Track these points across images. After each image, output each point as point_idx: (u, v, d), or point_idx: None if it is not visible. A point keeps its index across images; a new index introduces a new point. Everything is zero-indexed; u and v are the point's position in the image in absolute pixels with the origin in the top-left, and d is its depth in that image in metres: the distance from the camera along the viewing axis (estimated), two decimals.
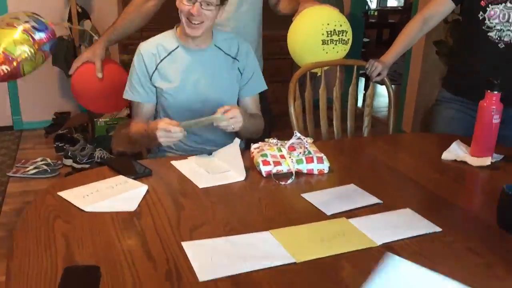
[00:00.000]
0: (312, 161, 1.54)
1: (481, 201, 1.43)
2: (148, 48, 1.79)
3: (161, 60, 1.78)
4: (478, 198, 1.45)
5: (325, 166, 1.55)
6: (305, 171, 1.53)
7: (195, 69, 1.80)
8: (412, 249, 1.13)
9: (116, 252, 1.08)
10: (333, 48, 2.07)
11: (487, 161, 1.64)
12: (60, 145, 3.68)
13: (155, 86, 1.80)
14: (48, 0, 3.91)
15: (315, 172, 1.54)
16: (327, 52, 2.08)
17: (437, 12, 2.07)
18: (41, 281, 0.97)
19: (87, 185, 1.38)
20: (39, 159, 3.40)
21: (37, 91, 4.11)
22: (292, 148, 1.58)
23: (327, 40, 2.06)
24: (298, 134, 1.62)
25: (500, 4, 1.89)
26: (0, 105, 4.05)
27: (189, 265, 1.03)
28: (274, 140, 1.64)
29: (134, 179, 1.44)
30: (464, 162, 1.64)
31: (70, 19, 3.83)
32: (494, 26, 1.91)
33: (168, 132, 1.54)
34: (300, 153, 1.55)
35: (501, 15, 1.89)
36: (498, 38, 1.91)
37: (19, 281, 0.97)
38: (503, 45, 1.91)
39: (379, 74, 2.05)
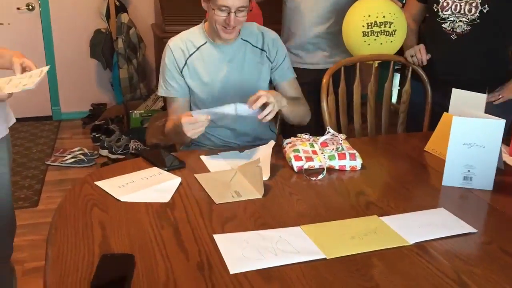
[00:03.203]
0: (345, 157, 1.53)
1: None
2: (177, 44, 1.81)
3: (190, 55, 1.80)
4: None
5: (357, 163, 1.54)
6: (337, 167, 1.53)
7: (224, 64, 1.81)
8: (445, 249, 1.12)
9: (150, 241, 1.10)
10: (375, 39, 2.05)
11: None
12: (96, 135, 3.78)
13: (186, 82, 1.82)
14: None
15: (347, 168, 1.54)
16: (369, 44, 2.06)
17: (415, 15, 2.19)
18: (79, 267, 1.00)
19: (123, 176, 1.42)
20: (76, 148, 3.50)
21: (76, 82, 4.22)
22: (324, 144, 1.58)
23: (368, 32, 2.05)
24: (332, 130, 1.61)
25: None
26: (40, 96, 4.18)
27: (221, 257, 1.05)
28: (307, 136, 1.64)
29: (167, 170, 1.46)
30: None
31: (108, 13, 3.91)
32: (447, 18, 1.96)
33: (193, 123, 1.52)
34: (333, 149, 1.55)
35: (453, 7, 1.94)
36: (451, 29, 1.96)
37: (58, 266, 1.01)
38: (456, 36, 1.96)
39: (427, 54, 2.06)
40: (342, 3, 2.29)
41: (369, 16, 2.04)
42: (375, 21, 2.04)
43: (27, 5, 3.91)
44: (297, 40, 2.39)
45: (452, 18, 1.95)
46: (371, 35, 2.05)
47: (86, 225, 1.17)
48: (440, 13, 1.98)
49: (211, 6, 1.68)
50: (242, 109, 1.54)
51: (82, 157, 3.42)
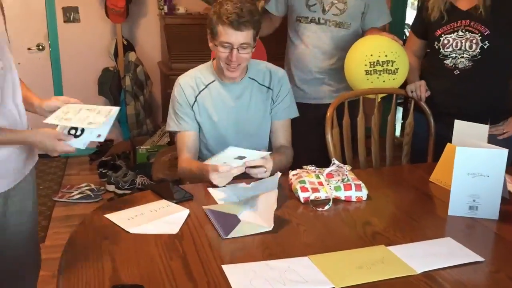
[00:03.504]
0: (351, 188, 1.55)
1: None
2: (187, 81, 1.85)
3: (199, 92, 1.84)
4: None
5: (363, 193, 1.56)
6: (343, 198, 1.54)
7: (232, 102, 1.85)
8: (453, 278, 1.12)
9: (159, 273, 1.11)
10: (377, 78, 2.09)
11: None
12: (103, 171, 3.81)
13: (195, 118, 1.85)
14: (96, 33, 4.11)
15: (353, 199, 1.55)
16: (372, 82, 2.11)
17: (416, 51, 2.23)
18: None
19: (132, 208, 1.44)
20: (83, 184, 3.52)
21: None
22: (330, 176, 1.60)
23: (370, 71, 2.09)
24: (337, 162, 1.64)
25: (452, 34, 1.99)
26: None
27: (230, 287, 1.06)
28: (312, 167, 1.66)
29: (176, 203, 1.48)
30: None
31: (116, 51, 4.02)
32: (449, 54, 2.01)
33: (223, 177, 1.55)
34: (339, 180, 1.57)
35: (453, 44, 1.99)
36: (453, 65, 2.00)
37: None
38: (458, 71, 2.00)
39: (426, 91, 2.09)
40: (346, 40, 2.35)
41: (371, 55, 2.08)
42: (378, 60, 2.08)
43: (38, 45, 4.03)
44: (302, 76, 2.44)
45: (454, 55, 1.99)
46: (373, 73, 2.09)
47: (97, 257, 1.18)
48: (441, 50, 2.02)
49: (215, 43, 1.73)
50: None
51: (89, 192, 3.44)
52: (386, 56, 2.07)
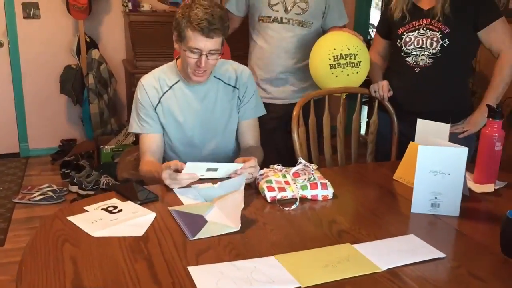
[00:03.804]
0: (317, 187, 1.56)
1: (484, 228, 1.43)
2: (150, 82, 1.82)
3: (163, 94, 1.81)
4: (481, 225, 1.46)
5: (329, 192, 1.57)
6: (309, 197, 1.55)
7: (197, 102, 1.83)
8: (416, 274, 1.14)
9: (123, 276, 1.09)
10: (342, 71, 2.13)
11: (490, 187, 1.66)
12: (66, 171, 3.72)
13: (159, 119, 1.82)
14: (58, 30, 4.00)
15: (320, 198, 1.56)
16: (336, 76, 2.14)
17: (381, 51, 2.27)
18: None
19: (95, 211, 1.40)
20: (45, 185, 3.42)
21: (45, 118, 4.17)
22: (296, 175, 1.60)
23: (334, 64, 2.13)
24: (303, 161, 1.65)
25: (414, 32, 2.04)
26: (8, 132, 4.10)
27: None
28: (279, 167, 1.67)
29: (141, 204, 1.46)
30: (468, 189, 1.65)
31: (78, 49, 3.92)
32: (411, 52, 2.05)
33: (172, 172, 1.51)
34: (305, 179, 1.57)
35: (415, 42, 2.03)
36: (414, 63, 2.05)
37: None
38: (419, 69, 2.04)
39: (389, 91, 2.13)
40: (308, 39, 2.37)
41: (335, 49, 2.12)
42: (341, 54, 2.12)
43: None
44: (265, 75, 2.45)
45: (415, 52, 2.04)
46: (338, 67, 2.13)
47: (57, 260, 1.14)
48: (403, 47, 2.07)
49: (183, 48, 1.70)
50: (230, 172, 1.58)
51: (51, 193, 3.35)
52: (348, 49, 2.12)
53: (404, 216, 1.50)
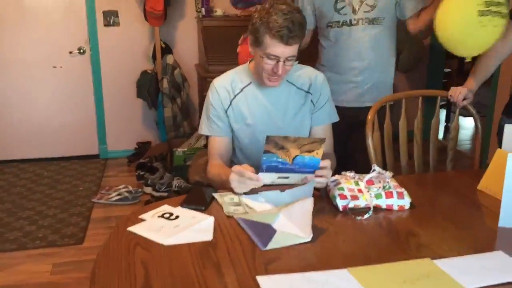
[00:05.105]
0: (392, 196, 1.47)
1: None
2: (222, 84, 1.81)
3: (235, 96, 1.80)
4: None
5: (406, 201, 1.48)
6: (384, 207, 1.47)
7: (268, 105, 1.80)
8: None
9: (192, 282, 1.08)
10: (490, 20, 1.84)
11: None
12: (141, 173, 3.84)
13: (229, 122, 1.82)
14: (135, 37, 4.16)
15: (395, 208, 1.47)
16: (484, 25, 1.85)
17: (507, 40, 1.96)
18: None
19: (152, 219, 1.39)
20: (121, 186, 3.56)
21: (122, 122, 4.35)
22: (370, 182, 1.53)
23: (485, 11, 1.84)
24: (378, 168, 1.57)
25: None
26: (88, 134, 4.32)
27: None
28: (352, 174, 1.60)
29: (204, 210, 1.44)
30: None
31: (154, 54, 4.05)
32: None
33: (242, 177, 1.47)
34: (379, 187, 1.49)
35: None
36: None
37: None
38: None
39: (464, 99, 1.97)
40: (378, 39, 2.27)
41: None
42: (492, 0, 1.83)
43: (79, 49, 4.11)
44: (335, 78, 2.37)
45: None
46: (488, 14, 1.84)
47: (129, 264, 1.16)
48: None
49: (259, 53, 1.66)
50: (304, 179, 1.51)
51: (126, 194, 3.47)
52: None
53: (491, 231, 1.37)
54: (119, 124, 4.35)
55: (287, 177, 1.50)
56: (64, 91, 4.21)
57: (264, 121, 1.80)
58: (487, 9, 1.83)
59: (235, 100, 1.80)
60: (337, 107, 2.18)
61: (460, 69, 7.93)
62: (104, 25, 4.10)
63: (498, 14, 1.84)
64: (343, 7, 2.27)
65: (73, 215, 3.24)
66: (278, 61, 1.63)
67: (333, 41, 2.33)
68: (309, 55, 2.53)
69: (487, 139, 3.96)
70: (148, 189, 3.58)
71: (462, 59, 7.92)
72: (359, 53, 2.30)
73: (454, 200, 1.60)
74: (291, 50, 1.62)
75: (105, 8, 4.06)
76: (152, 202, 3.04)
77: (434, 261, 1.17)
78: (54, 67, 4.12)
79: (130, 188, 3.55)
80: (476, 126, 2.02)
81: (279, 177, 1.50)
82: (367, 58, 2.30)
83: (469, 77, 2.02)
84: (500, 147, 1.69)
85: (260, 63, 1.68)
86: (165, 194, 3.47)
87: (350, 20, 2.27)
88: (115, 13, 4.10)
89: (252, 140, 1.82)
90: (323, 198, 1.53)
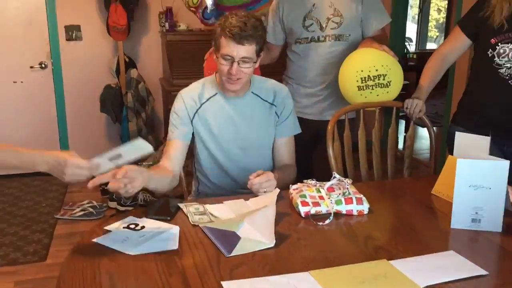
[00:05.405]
0: (352, 202, 1.53)
1: None
2: (189, 94, 1.85)
3: (201, 105, 1.84)
4: None
5: (364, 207, 1.54)
6: (344, 212, 1.53)
7: (233, 116, 1.85)
8: None
9: None
10: (371, 92, 2.09)
11: None
12: (105, 188, 3.79)
13: (195, 131, 1.85)
14: (98, 51, 4.15)
15: (355, 213, 1.54)
16: (365, 97, 2.11)
17: (454, 48, 2.10)
18: None
19: (117, 230, 1.41)
20: (85, 201, 3.51)
21: (86, 136, 4.30)
22: (331, 189, 1.59)
23: (362, 86, 2.09)
24: (338, 176, 1.63)
25: (510, 44, 1.90)
26: (51, 150, 4.24)
27: None
28: (313, 181, 1.65)
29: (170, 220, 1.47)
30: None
31: (118, 69, 4.04)
32: (504, 64, 1.92)
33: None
34: (339, 194, 1.55)
35: (510, 54, 1.90)
36: (508, 76, 1.92)
37: None
38: None
39: (419, 111, 2.06)
40: (345, 54, 2.35)
41: (362, 71, 2.07)
42: (368, 76, 2.07)
43: (40, 63, 4.06)
44: (300, 91, 2.44)
45: (508, 65, 1.91)
46: (366, 89, 2.09)
47: (95, 275, 1.17)
48: (496, 59, 1.94)
49: (217, 55, 1.73)
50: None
51: (91, 209, 3.43)
52: (376, 70, 2.07)
53: (444, 232, 1.45)
54: (83, 139, 4.30)
55: (120, 154, 1.48)
56: (25, 106, 4.14)
57: (229, 131, 1.85)
58: (364, 84, 2.07)
59: (201, 109, 1.84)
60: (302, 119, 2.25)
61: (419, 81, 8.22)
62: (67, 39, 4.07)
63: (377, 86, 2.06)
64: (311, 25, 2.34)
65: (36, 232, 3.17)
66: (233, 62, 1.69)
67: (301, 55, 2.40)
68: (275, 67, 2.61)
69: (444, 148, 4.13)
70: (113, 204, 3.55)
71: (420, 72, 8.28)
72: (325, 68, 2.38)
73: (410, 204, 1.68)
74: (245, 50, 1.67)
75: (67, 23, 4.04)
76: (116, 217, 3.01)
77: (391, 262, 1.23)
78: (15, 82, 4.05)
79: (95, 203, 3.51)
80: (430, 135, 2.12)
81: (111, 159, 1.49)
82: (332, 73, 2.38)
83: (418, 89, 2.12)
84: (451, 154, 1.79)
85: (218, 66, 1.74)
86: (131, 208, 3.45)
87: (318, 37, 2.35)
88: (77, 28, 4.08)
89: (219, 149, 1.86)
90: (286, 206, 1.58)
